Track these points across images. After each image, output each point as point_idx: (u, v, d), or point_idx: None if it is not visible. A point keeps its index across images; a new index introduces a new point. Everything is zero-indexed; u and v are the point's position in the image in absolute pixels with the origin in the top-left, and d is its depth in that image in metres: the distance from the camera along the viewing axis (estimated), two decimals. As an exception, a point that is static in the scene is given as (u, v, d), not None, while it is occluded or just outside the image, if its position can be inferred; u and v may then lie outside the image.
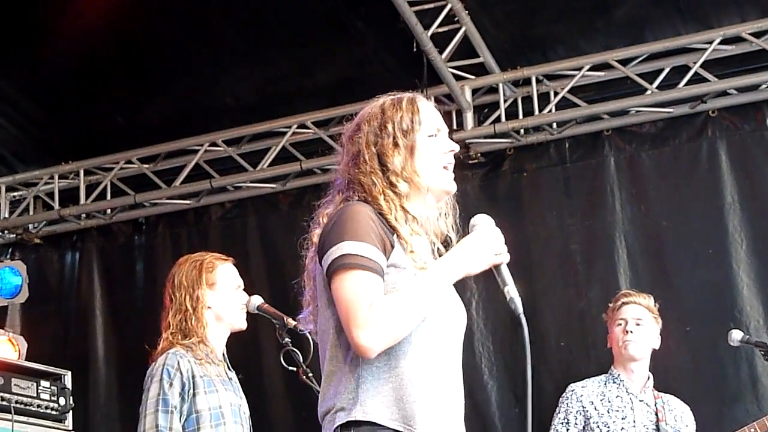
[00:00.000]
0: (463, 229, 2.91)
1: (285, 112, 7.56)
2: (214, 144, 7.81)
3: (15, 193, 8.40)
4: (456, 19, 6.77)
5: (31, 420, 6.10)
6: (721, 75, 6.85)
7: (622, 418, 5.20)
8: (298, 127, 7.59)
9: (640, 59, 6.99)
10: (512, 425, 6.86)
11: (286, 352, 4.37)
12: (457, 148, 2.98)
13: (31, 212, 8.33)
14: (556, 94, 7.17)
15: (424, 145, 2.91)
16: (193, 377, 4.20)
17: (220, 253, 4.61)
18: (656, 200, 6.93)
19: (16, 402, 5.99)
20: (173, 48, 7.17)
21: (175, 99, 7.58)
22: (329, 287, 2.72)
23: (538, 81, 7.19)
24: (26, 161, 8.27)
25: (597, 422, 5.20)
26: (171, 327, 4.35)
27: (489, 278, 7.40)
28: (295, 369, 4.38)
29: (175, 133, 7.80)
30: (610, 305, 5.46)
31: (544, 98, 7.21)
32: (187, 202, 8.00)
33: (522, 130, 7.25)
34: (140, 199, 8.00)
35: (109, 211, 8.20)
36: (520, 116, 7.25)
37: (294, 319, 4.18)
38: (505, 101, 7.25)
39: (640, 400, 5.26)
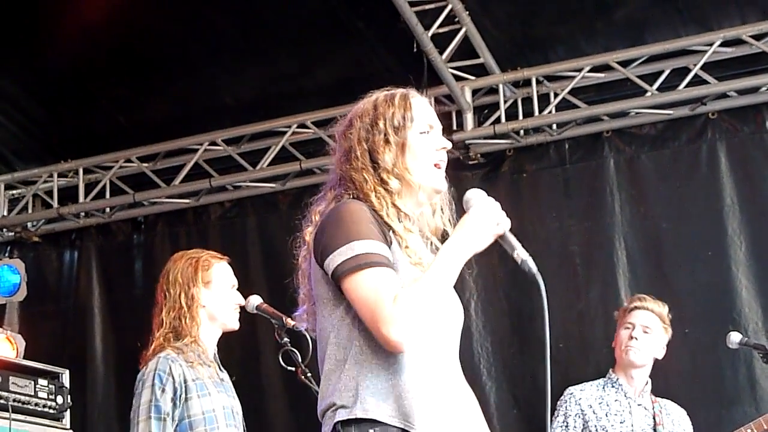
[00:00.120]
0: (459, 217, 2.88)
1: (285, 111, 7.56)
2: (213, 143, 7.80)
3: (14, 191, 8.39)
4: (456, 19, 6.77)
5: (29, 418, 6.10)
6: (721, 77, 6.85)
7: (621, 422, 5.20)
8: (297, 127, 7.58)
9: (640, 61, 6.99)
10: (511, 427, 6.85)
11: (284, 352, 4.36)
12: (449, 145, 2.96)
13: (30, 210, 8.32)
14: (556, 95, 7.16)
15: (416, 142, 2.90)
16: (185, 382, 4.16)
17: (218, 252, 4.60)
18: (656, 202, 6.92)
19: (14, 400, 5.99)
20: (173, 47, 7.17)
21: (175, 98, 7.57)
22: (336, 288, 2.72)
23: (538, 82, 7.18)
24: (25, 159, 8.26)
25: (595, 426, 5.20)
26: (164, 325, 4.31)
27: (487, 279, 7.42)
28: (293, 369, 4.36)
29: (174, 132, 7.79)
30: (625, 304, 5.45)
31: (544, 99, 7.20)
32: (187, 201, 7.99)
33: (522, 131, 7.25)
34: (139, 198, 7.99)
35: (108, 209, 8.20)
36: (520, 117, 7.25)
37: (293, 319, 4.18)
38: (505, 102, 7.24)
39: (638, 404, 5.26)
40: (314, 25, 6.96)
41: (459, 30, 6.82)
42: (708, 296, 6.65)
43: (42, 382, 6.24)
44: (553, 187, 7.17)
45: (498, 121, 7.23)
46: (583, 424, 5.23)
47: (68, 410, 6.35)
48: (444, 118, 7.35)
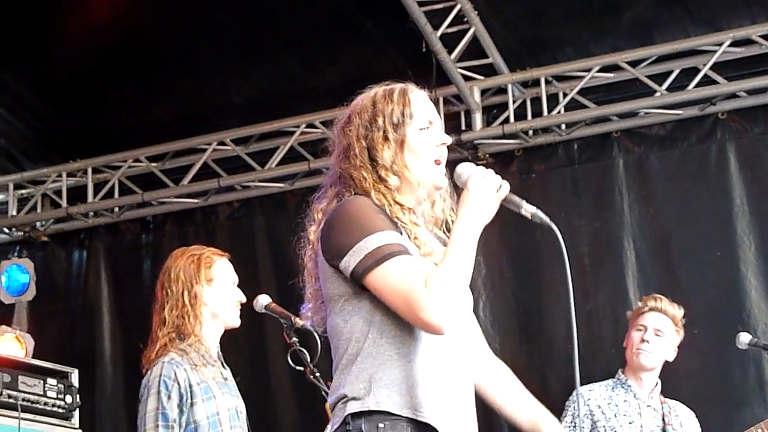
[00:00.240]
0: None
1: (293, 111, 7.56)
2: (222, 143, 7.80)
3: (23, 191, 8.39)
4: (465, 19, 6.76)
5: (38, 417, 6.12)
6: (731, 77, 6.83)
7: (630, 423, 5.18)
8: (306, 127, 7.58)
9: (649, 61, 6.97)
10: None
11: (293, 351, 4.35)
12: (449, 140, 2.95)
13: (39, 210, 8.32)
14: (565, 95, 7.15)
15: (415, 138, 2.88)
16: (190, 386, 4.11)
17: (227, 252, 4.57)
18: (665, 202, 6.91)
19: (23, 399, 6.01)
20: (181, 47, 7.17)
21: (183, 98, 7.58)
22: (350, 283, 2.72)
23: (547, 82, 7.17)
24: (34, 159, 8.27)
25: (604, 426, 5.18)
26: (167, 323, 4.25)
27: (495, 279, 7.41)
28: (302, 369, 4.35)
29: (183, 132, 7.79)
30: (639, 304, 5.42)
31: (552, 99, 7.20)
32: (195, 201, 8.00)
33: (531, 131, 7.24)
34: (148, 197, 8.00)
35: (116, 209, 8.21)
36: (529, 117, 7.24)
37: (301, 318, 4.17)
38: (513, 102, 7.23)
39: (648, 405, 5.24)
40: (323, 24, 6.96)
41: (468, 30, 6.81)
42: (717, 297, 6.63)
43: (51, 381, 6.25)
44: (562, 187, 7.16)
45: (507, 121, 7.22)
46: (592, 425, 5.21)
47: (77, 409, 6.37)
48: (453, 118, 7.42)
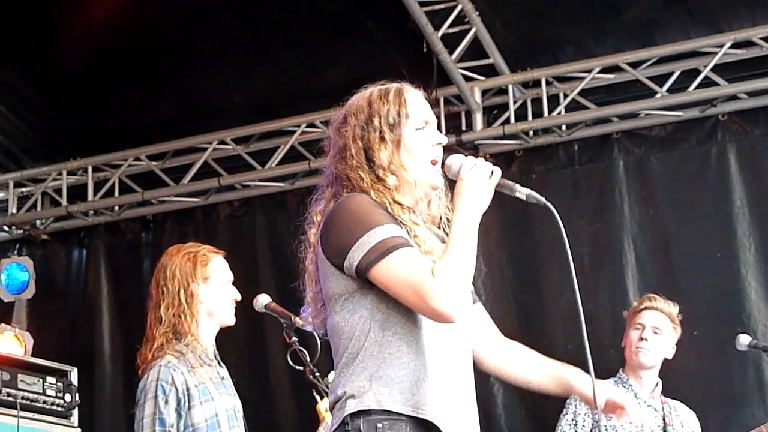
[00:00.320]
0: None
1: (294, 111, 7.56)
2: (222, 142, 7.80)
3: (23, 189, 8.39)
4: (466, 20, 6.76)
5: (37, 416, 6.11)
6: (732, 79, 6.83)
7: (630, 422, 5.17)
8: (306, 126, 7.58)
9: (650, 62, 6.97)
10: (519, 427, 6.85)
11: (293, 351, 4.35)
12: (445, 140, 2.95)
13: (39, 208, 8.32)
14: (565, 96, 7.15)
15: (411, 139, 2.89)
16: (188, 389, 4.07)
17: (227, 251, 4.56)
18: (665, 204, 6.91)
19: (22, 398, 6.00)
20: (182, 46, 7.18)
21: (184, 97, 7.58)
22: (353, 280, 2.72)
23: (547, 83, 7.18)
24: (34, 157, 8.27)
25: (605, 425, 5.19)
26: (163, 322, 4.20)
27: (496, 280, 7.41)
28: (302, 368, 4.35)
29: (183, 131, 7.79)
30: (635, 304, 5.44)
31: (553, 100, 7.20)
32: (195, 200, 8.00)
33: (531, 132, 7.24)
34: (148, 196, 8.00)
35: (116, 208, 8.20)
36: (530, 118, 7.24)
37: (301, 318, 4.16)
38: (514, 103, 7.23)
39: (649, 405, 5.24)
40: (323, 24, 6.96)
41: (469, 30, 6.81)
42: (717, 298, 6.64)
43: (50, 380, 6.24)
44: (563, 188, 7.16)
45: (507, 121, 7.22)
46: (593, 423, 5.21)
47: (76, 408, 6.36)
48: (453, 118, 7.42)
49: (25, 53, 7.25)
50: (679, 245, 6.81)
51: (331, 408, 2.76)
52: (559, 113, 7.14)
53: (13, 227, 8.40)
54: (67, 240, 8.43)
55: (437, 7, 6.62)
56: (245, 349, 7.30)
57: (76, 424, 6.35)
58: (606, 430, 5.19)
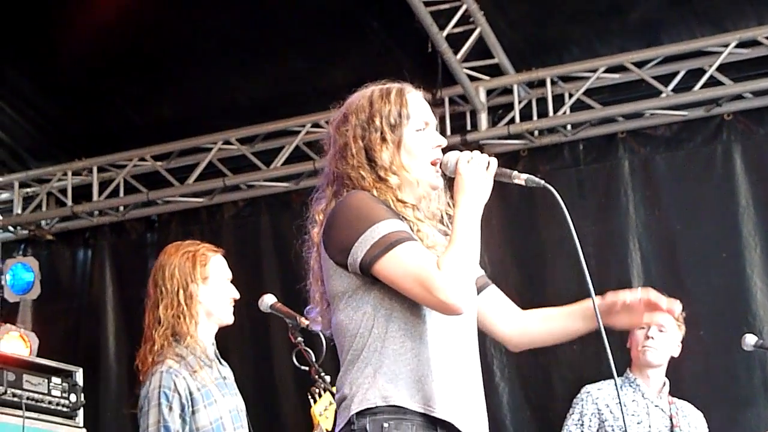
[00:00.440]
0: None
1: (299, 111, 7.55)
2: (227, 142, 7.81)
3: (28, 189, 8.40)
4: (471, 19, 6.76)
5: (42, 416, 6.10)
6: (737, 78, 6.83)
7: (638, 423, 5.18)
8: (311, 126, 7.58)
9: (655, 62, 6.97)
10: (524, 427, 6.84)
11: (298, 351, 4.35)
12: (444, 142, 2.95)
13: (44, 208, 8.33)
14: (570, 95, 7.15)
15: (412, 140, 2.89)
16: (191, 394, 4.03)
17: (228, 250, 4.53)
18: (670, 203, 6.90)
19: (28, 398, 5.99)
20: (187, 46, 7.18)
21: (189, 97, 7.58)
22: (356, 277, 2.71)
23: (552, 82, 7.17)
24: (39, 157, 8.27)
25: (612, 425, 5.18)
26: (162, 323, 4.15)
27: (500, 280, 7.39)
28: (307, 368, 4.35)
29: (188, 131, 7.80)
30: None
31: (558, 100, 7.19)
32: (200, 200, 8.00)
33: (536, 132, 7.24)
34: (153, 196, 8.01)
35: (121, 208, 8.21)
36: (535, 118, 7.23)
37: (306, 318, 4.15)
38: (519, 102, 7.23)
39: (656, 405, 5.24)
40: (328, 24, 6.96)
41: (473, 30, 6.81)
42: (722, 298, 6.63)
43: (55, 380, 6.24)
44: (568, 188, 7.14)
45: (512, 121, 7.22)
46: (599, 424, 5.21)
47: (81, 408, 6.35)
48: (458, 118, 7.41)
49: (30, 53, 7.26)
50: (685, 245, 6.80)
51: (337, 406, 2.76)
52: (564, 113, 7.14)
53: (18, 227, 8.40)
54: (72, 240, 8.43)
55: (442, 6, 6.62)
56: (250, 349, 7.31)
57: (81, 425, 6.34)
58: (612, 429, 5.18)
